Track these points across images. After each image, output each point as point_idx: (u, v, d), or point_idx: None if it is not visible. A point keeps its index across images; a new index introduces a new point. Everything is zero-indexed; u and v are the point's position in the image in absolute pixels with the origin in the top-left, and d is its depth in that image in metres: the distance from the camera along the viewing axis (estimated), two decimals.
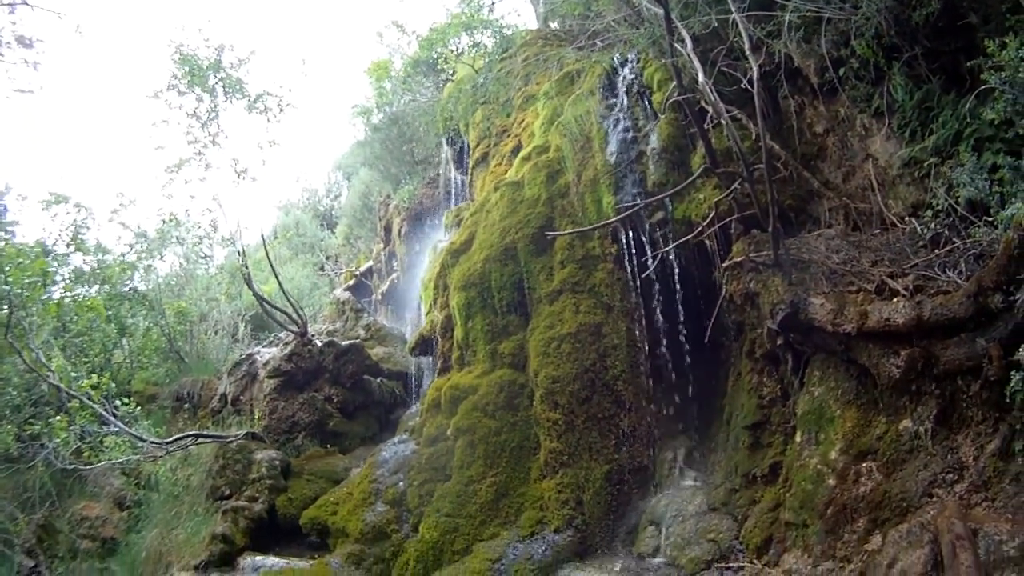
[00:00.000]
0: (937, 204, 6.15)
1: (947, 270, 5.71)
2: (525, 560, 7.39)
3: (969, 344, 5.13)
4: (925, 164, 6.41)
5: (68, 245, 13.78)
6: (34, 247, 12.07)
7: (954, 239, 5.97)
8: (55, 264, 12.97)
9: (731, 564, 6.65)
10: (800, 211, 7.50)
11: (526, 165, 9.51)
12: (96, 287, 14.11)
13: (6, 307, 10.29)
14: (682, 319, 7.89)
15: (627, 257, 8.09)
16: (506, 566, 7.40)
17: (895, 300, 5.58)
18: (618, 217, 7.93)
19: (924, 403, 5.48)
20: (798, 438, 6.35)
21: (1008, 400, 4.84)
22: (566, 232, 8.34)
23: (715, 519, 7.15)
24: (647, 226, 8.04)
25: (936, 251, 6.03)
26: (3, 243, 11.05)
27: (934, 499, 5.17)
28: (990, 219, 5.54)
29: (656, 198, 7.84)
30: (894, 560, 4.84)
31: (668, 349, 8.04)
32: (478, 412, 8.45)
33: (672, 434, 8.08)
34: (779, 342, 6.63)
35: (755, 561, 6.43)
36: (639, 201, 7.97)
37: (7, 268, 10.63)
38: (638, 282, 8.05)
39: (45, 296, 12.45)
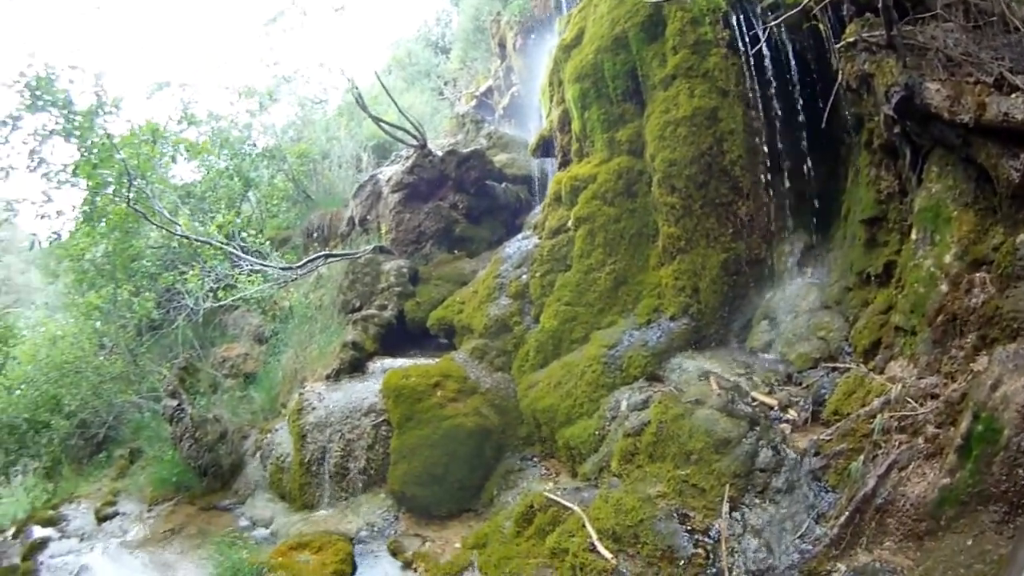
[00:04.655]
0: None
1: None
2: (639, 346, 7.51)
3: None
4: None
5: (179, 122, 14.34)
6: (145, 128, 12.68)
7: None
8: (168, 145, 13.53)
9: (838, 365, 6.56)
10: (917, 3, 6.93)
11: None
12: (216, 152, 14.72)
13: (127, 185, 10.86)
14: (800, 106, 7.43)
15: (740, 41, 7.57)
16: (620, 352, 7.57)
17: (1015, 96, 5.03)
18: None
19: None
20: (914, 236, 5.96)
21: None
22: None
23: (827, 317, 7.03)
24: (758, 10, 7.45)
25: None
26: (104, 130, 11.58)
27: None
28: None
29: None
30: (998, 382, 4.51)
31: (786, 137, 7.59)
32: (597, 200, 8.46)
33: (790, 228, 7.74)
34: (896, 131, 6.13)
35: (861, 364, 6.30)
36: None
37: (123, 149, 11.22)
38: (752, 67, 7.55)
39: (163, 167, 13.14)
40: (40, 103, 11.05)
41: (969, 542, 4.27)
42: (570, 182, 8.89)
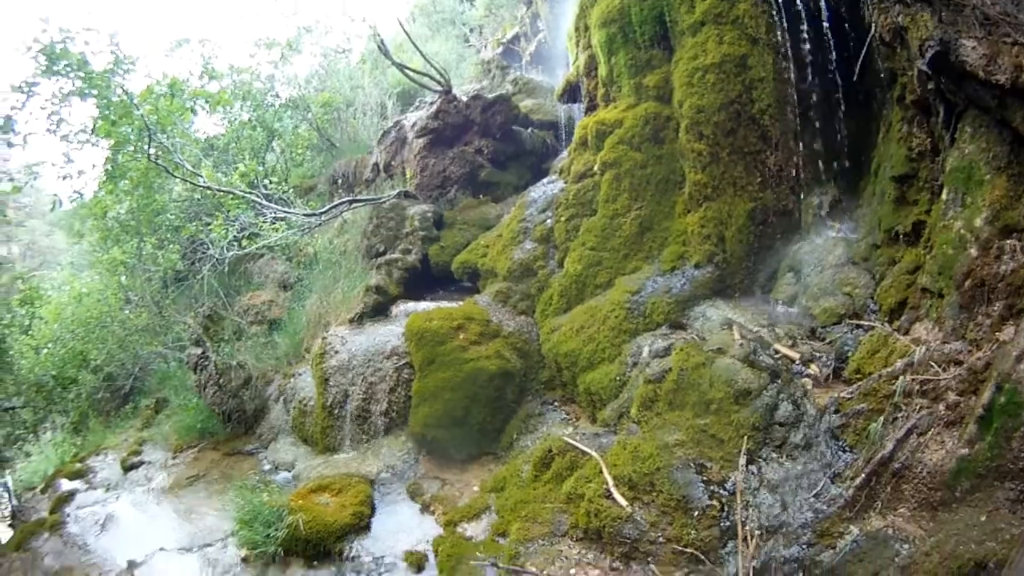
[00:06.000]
0: None
1: None
2: (663, 293, 7.47)
3: None
4: None
5: (200, 77, 14.34)
6: (162, 81, 12.62)
7: None
8: (188, 99, 13.47)
9: (862, 323, 6.46)
10: None
11: None
12: (239, 104, 14.66)
13: (147, 140, 10.85)
14: (832, 57, 7.24)
15: None
16: (644, 298, 7.54)
17: None
18: None
19: None
20: (944, 196, 5.81)
21: None
22: None
23: (853, 272, 6.91)
24: None
25: None
26: (122, 87, 11.54)
27: None
28: None
29: None
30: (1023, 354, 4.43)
31: (817, 88, 7.41)
32: (624, 145, 8.33)
33: (819, 180, 7.57)
34: (930, 87, 5.95)
35: (885, 324, 6.19)
36: None
37: (143, 105, 11.26)
38: (783, 16, 7.32)
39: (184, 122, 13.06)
40: (56, 68, 11.02)
41: (983, 518, 4.23)
42: (596, 127, 8.76)
